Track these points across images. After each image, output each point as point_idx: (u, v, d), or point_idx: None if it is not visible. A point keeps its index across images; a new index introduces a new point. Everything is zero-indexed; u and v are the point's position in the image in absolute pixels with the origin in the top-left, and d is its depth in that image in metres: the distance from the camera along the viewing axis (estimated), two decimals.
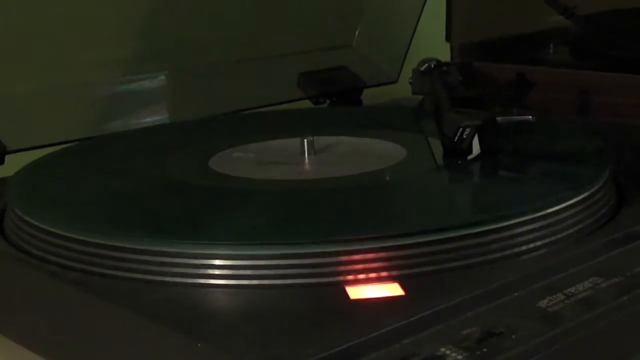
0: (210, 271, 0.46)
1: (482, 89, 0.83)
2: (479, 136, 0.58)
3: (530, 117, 0.60)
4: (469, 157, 0.58)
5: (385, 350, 0.39)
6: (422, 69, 0.76)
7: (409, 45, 0.91)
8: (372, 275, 0.45)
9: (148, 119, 0.78)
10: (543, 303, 0.43)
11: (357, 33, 0.92)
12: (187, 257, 0.46)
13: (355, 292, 0.44)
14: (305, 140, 0.63)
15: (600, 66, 0.80)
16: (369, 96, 0.91)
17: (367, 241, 0.46)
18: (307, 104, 0.88)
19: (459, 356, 0.38)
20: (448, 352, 0.39)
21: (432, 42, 0.93)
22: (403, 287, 0.44)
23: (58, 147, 0.69)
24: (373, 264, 0.45)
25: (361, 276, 0.45)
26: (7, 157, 0.68)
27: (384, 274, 0.45)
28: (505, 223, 0.48)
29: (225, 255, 0.46)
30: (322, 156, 0.63)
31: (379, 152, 0.64)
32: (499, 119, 0.60)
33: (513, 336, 0.40)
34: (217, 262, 0.46)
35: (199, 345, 0.40)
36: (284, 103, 0.86)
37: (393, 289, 0.44)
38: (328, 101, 0.89)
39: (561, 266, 0.47)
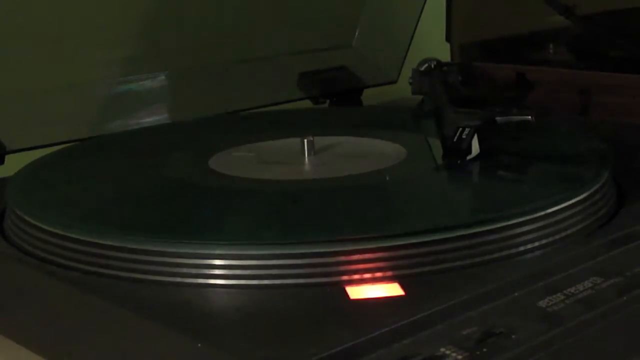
0: (210, 271, 0.46)
1: (482, 89, 0.83)
2: (478, 136, 0.58)
3: (530, 117, 0.60)
4: (469, 157, 0.58)
5: (385, 350, 0.39)
6: (422, 69, 0.76)
7: (409, 45, 0.91)
8: (372, 275, 0.45)
9: (148, 119, 0.78)
10: (543, 303, 0.43)
11: (357, 33, 0.92)
12: (186, 257, 0.46)
13: (355, 292, 0.44)
14: (305, 140, 0.63)
15: (600, 66, 0.80)
16: (369, 96, 0.91)
17: (367, 241, 0.46)
18: (307, 104, 0.88)
19: (459, 356, 0.38)
20: (448, 352, 0.39)
21: (432, 42, 0.92)
22: (403, 287, 0.44)
23: (58, 147, 0.69)
24: (373, 263, 0.45)
25: (361, 276, 0.45)
26: (7, 157, 0.68)
27: (384, 274, 0.45)
28: (505, 223, 0.48)
29: (225, 255, 0.46)
30: (322, 156, 0.63)
31: (379, 152, 0.64)
32: (498, 119, 0.60)
33: (513, 336, 0.40)
34: (217, 262, 0.46)
35: (199, 345, 0.40)
36: (284, 103, 0.86)
37: (393, 289, 0.44)
38: (328, 101, 0.89)
39: (561, 266, 0.47)
